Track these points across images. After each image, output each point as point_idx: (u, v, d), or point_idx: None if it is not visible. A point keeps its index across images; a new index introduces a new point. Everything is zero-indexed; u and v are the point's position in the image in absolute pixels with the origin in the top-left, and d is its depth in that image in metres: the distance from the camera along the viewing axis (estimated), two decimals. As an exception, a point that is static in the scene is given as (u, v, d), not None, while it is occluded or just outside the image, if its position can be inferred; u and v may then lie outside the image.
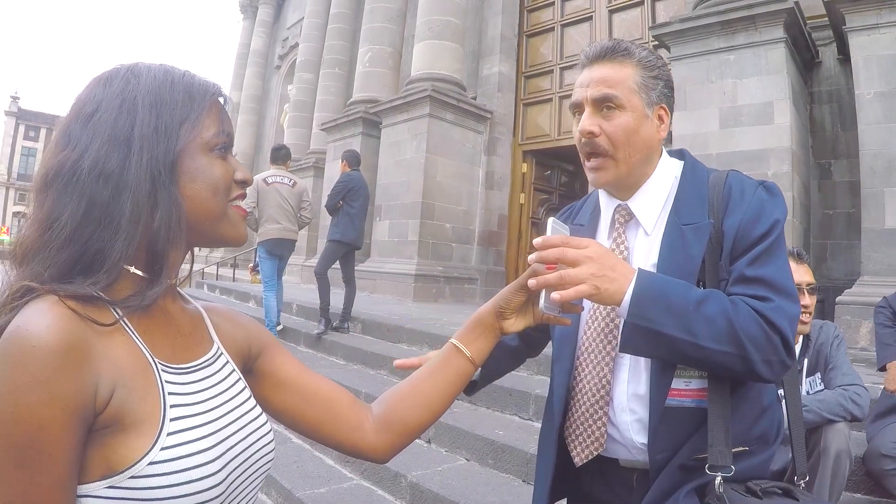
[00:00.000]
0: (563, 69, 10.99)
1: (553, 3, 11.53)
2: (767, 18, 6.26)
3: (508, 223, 11.63)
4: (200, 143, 0.87)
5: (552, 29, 11.47)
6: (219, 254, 20.25)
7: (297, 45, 19.99)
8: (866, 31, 5.80)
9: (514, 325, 1.17)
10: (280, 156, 7.52)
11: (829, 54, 7.23)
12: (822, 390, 2.77)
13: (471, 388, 1.52)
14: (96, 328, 0.74)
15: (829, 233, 7.11)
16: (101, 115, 0.82)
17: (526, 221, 11.57)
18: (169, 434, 0.76)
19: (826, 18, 6.66)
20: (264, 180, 7.09)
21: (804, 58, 7.02)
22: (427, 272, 9.97)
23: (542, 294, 1.11)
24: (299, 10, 20.65)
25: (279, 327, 7.26)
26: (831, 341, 2.85)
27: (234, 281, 14.94)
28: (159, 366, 0.81)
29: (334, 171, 12.62)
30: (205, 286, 13.43)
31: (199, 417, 0.82)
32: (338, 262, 7.21)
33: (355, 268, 9.62)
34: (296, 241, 7.47)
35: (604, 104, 1.31)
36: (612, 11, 10.34)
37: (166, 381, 0.80)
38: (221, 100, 0.94)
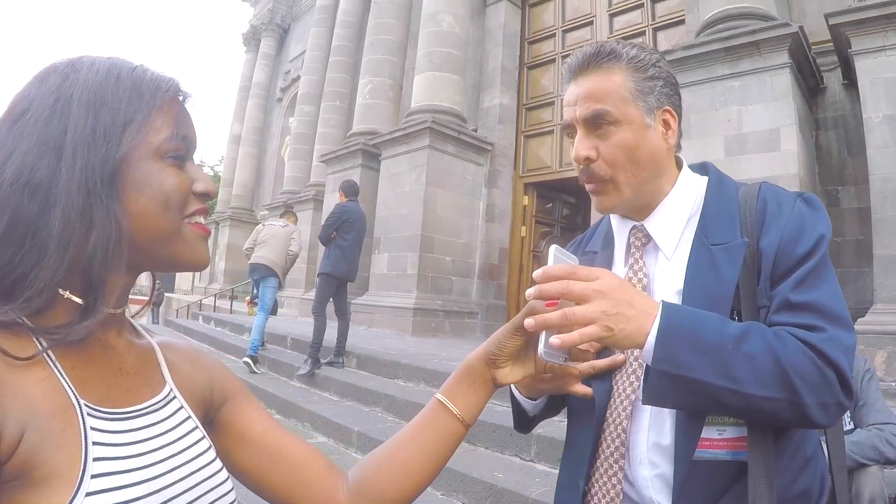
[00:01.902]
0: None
1: (554, 35, 11.54)
2: (772, 44, 6.17)
3: (509, 256, 11.44)
4: (149, 148, 0.73)
5: (553, 60, 11.44)
6: (217, 285, 20.12)
7: (298, 77, 20.08)
8: (873, 53, 5.69)
9: (511, 374, 0.99)
10: (285, 211, 9.15)
11: (833, 80, 7.14)
12: (853, 429, 2.55)
13: (527, 425, 1.32)
14: (8, 360, 0.62)
15: (838, 261, 6.91)
16: (30, 116, 0.69)
17: (527, 255, 11.38)
18: (88, 494, 0.61)
19: (830, 44, 6.57)
20: (262, 224, 8.11)
21: (809, 84, 6.94)
22: (426, 306, 9.76)
23: (542, 337, 0.91)
24: (301, 42, 20.82)
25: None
26: (861, 376, 2.63)
27: (230, 313, 14.73)
28: (85, 409, 0.66)
29: (333, 202, 12.55)
30: (200, 317, 13.32)
31: (133, 474, 0.66)
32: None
33: (352, 301, 9.64)
34: (269, 268, 7.90)
35: (596, 122, 1.13)
36: (612, 42, 10.29)
37: (92, 428, 0.65)
38: (181, 98, 0.79)
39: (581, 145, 1.15)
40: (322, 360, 6.79)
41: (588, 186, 1.18)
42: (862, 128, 5.86)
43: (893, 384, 4.85)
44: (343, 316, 7.03)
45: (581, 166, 1.16)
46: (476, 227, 10.98)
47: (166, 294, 26.41)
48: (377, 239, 10.79)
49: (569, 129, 1.20)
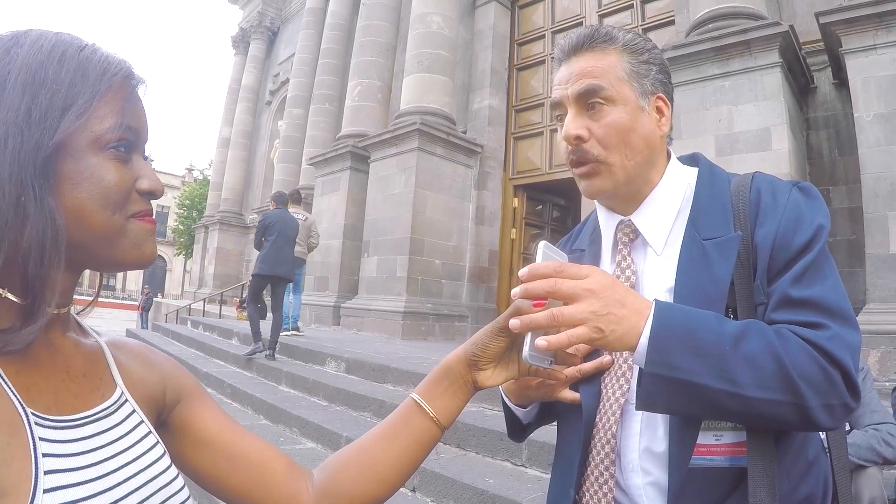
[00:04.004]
0: (553, 102, 10.87)
1: (543, 37, 11.52)
2: (762, 43, 6.16)
3: (499, 259, 11.39)
4: (89, 137, 0.65)
5: (543, 62, 11.43)
6: (207, 289, 19.98)
7: (287, 80, 19.99)
8: (863, 52, 5.68)
9: (492, 378, 0.94)
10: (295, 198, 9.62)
11: (824, 79, 7.14)
12: (849, 430, 2.49)
13: (521, 433, 1.27)
14: None
15: (830, 261, 6.91)
16: None
17: (517, 257, 11.32)
18: None
19: (820, 43, 6.58)
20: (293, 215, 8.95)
21: (800, 83, 6.93)
22: (416, 309, 9.69)
23: (528, 339, 0.86)
24: (290, 45, 20.75)
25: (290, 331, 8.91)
26: None
27: (220, 317, 14.62)
28: (32, 418, 0.61)
29: (322, 206, 12.50)
30: (188, 322, 13.22)
31: (88, 486, 0.62)
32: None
33: (342, 305, 9.77)
34: (303, 259, 9.41)
35: (590, 99, 1.07)
36: (602, 43, 10.28)
37: (41, 439, 0.60)
38: (133, 83, 0.71)
39: (572, 124, 1.08)
40: (263, 353, 7.51)
41: (577, 170, 1.11)
42: (853, 127, 5.84)
43: (887, 384, 4.82)
44: (277, 311, 7.61)
45: (570, 147, 1.10)
46: (466, 230, 10.92)
47: (155, 299, 26.27)
48: (366, 242, 10.72)
49: (559, 110, 1.13)
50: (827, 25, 5.95)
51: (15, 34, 0.67)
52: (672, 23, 9.05)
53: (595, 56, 1.09)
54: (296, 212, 9.21)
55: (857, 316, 4.78)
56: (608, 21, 10.31)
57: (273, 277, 7.59)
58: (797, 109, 6.87)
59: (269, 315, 7.94)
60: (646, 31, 9.66)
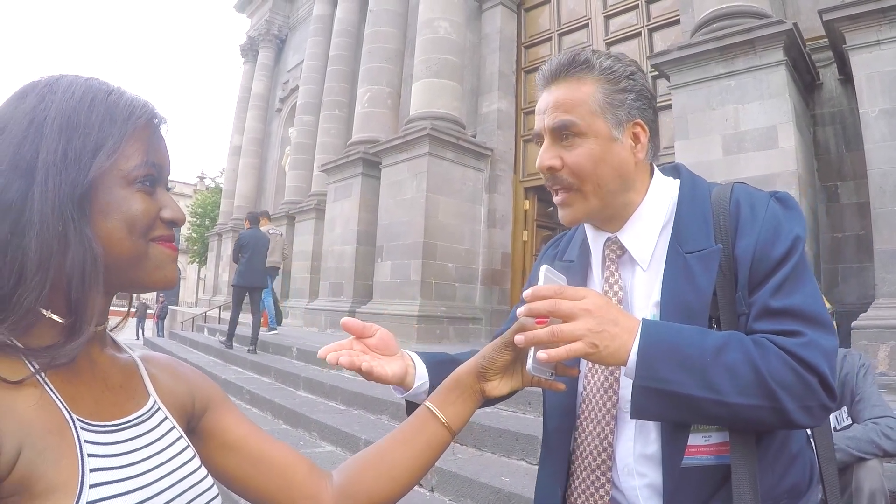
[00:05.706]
0: (561, 104, 10.88)
1: (550, 39, 11.55)
2: (767, 41, 6.16)
3: (512, 261, 11.43)
4: (118, 174, 0.75)
5: (549, 64, 11.40)
6: (221, 297, 20.10)
7: (297, 87, 20.03)
8: (867, 48, 5.68)
9: (499, 388, 1.03)
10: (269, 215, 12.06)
11: (829, 76, 7.13)
12: (850, 425, 2.56)
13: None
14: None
15: (838, 257, 6.91)
16: (4, 137, 0.71)
17: (529, 259, 11.34)
18: (89, 503, 0.65)
19: (825, 39, 6.57)
20: (268, 231, 10.75)
21: (805, 80, 6.92)
22: (430, 313, 9.74)
23: (531, 353, 0.96)
24: (299, 52, 20.80)
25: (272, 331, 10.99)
26: (857, 371, 2.64)
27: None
28: (78, 423, 0.70)
29: (335, 212, 12.58)
30: (205, 329, 13.35)
31: (127, 483, 0.70)
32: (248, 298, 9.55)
33: (357, 310, 10.01)
34: (279, 268, 11.89)
35: (562, 132, 1.14)
36: (609, 44, 10.30)
37: (86, 441, 0.69)
38: (156, 121, 0.81)
39: (545, 154, 1.17)
40: (247, 348, 9.22)
41: (556, 198, 1.20)
42: (859, 122, 5.83)
43: (896, 378, 4.84)
44: (255, 314, 9.43)
45: (546, 175, 1.18)
46: (478, 233, 10.97)
47: (171, 307, 26.46)
48: (380, 247, 10.79)
49: (538, 138, 1.21)
50: (830, 22, 5.95)
51: (49, 81, 0.76)
52: (678, 22, 9.06)
53: (571, 86, 1.15)
54: (272, 229, 11.62)
55: (866, 312, 4.83)
56: (613, 22, 10.35)
57: (249, 287, 9.30)
58: (803, 106, 6.87)
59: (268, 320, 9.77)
60: (651, 31, 9.69)
